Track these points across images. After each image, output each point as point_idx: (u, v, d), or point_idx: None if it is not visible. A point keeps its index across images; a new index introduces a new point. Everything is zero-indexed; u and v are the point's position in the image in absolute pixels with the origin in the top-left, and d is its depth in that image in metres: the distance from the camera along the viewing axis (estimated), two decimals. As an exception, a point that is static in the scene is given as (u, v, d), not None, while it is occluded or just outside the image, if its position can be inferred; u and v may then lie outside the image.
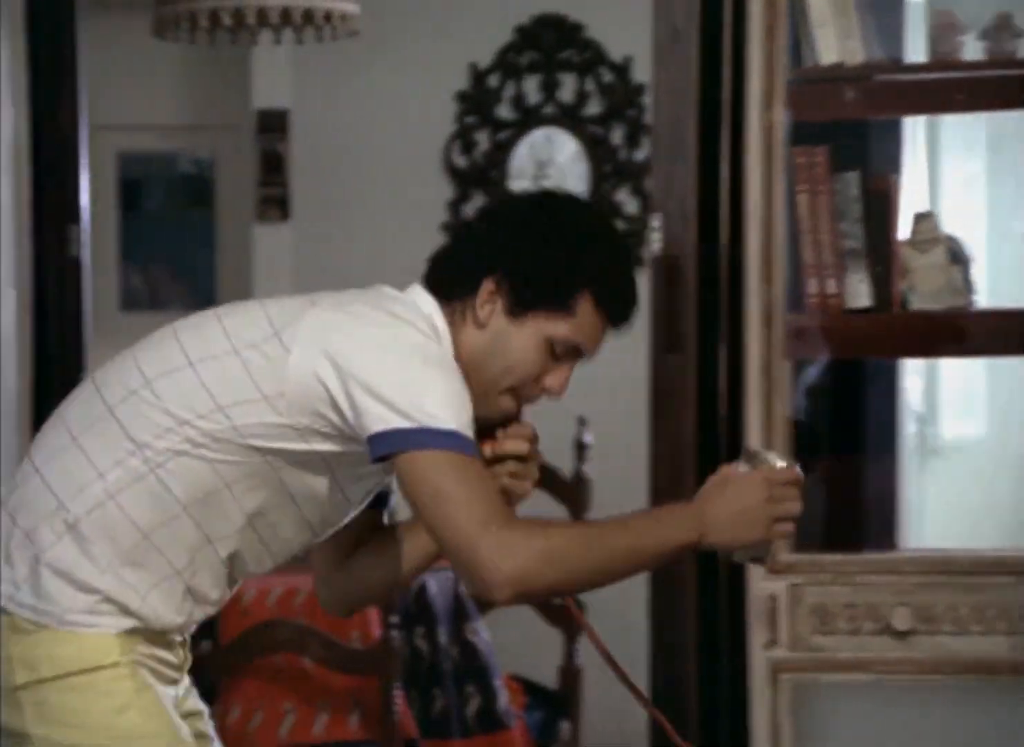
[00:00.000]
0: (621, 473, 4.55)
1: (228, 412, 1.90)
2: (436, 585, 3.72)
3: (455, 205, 4.79)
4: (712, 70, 2.78)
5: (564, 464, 4.08)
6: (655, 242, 2.91)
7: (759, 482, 1.91)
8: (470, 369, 1.94)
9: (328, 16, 3.58)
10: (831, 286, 2.72)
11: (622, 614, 4.52)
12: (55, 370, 3.01)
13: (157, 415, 1.92)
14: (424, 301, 1.96)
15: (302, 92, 4.83)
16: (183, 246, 5.31)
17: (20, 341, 2.91)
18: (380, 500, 2.07)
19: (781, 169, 2.71)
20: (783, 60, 2.69)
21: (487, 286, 1.93)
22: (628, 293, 1.97)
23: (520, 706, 3.85)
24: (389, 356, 1.88)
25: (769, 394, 2.74)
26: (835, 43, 2.69)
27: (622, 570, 1.89)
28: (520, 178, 4.79)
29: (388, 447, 1.85)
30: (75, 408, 1.98)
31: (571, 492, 4.04)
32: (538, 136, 4.78)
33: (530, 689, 4.00)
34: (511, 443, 1.99)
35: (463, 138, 4.79)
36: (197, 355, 1.93)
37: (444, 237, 4.77)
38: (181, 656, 2.00)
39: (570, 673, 3.97)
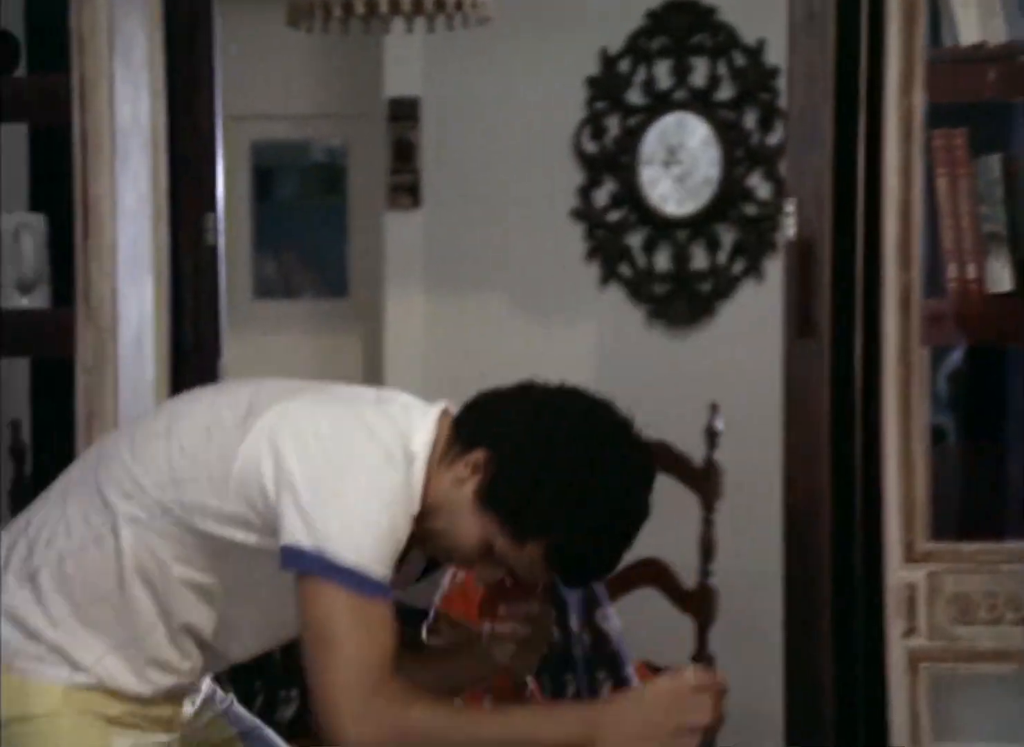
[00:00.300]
0: (753, 460, 4.52)
1: (179, 486, 1.91)
2: (567, 571, 3.71)
3: (585, 191, 4.78)
4: (848, 52, 2.74)
5: (695, 451, 4.06)
6: (789, 227, 2.89)
7: (663, 692, 1.84)
8: (429, 507, 1.90)
9: (460, 4, 3.59)
10: (971, 271, 2.68)
11: (757, 600, 4.50)
12: (192, 359, 3.04)
13: (125, 478, 1.94)
14: (416, 420, 1.91)
15: (433, 80, 4.84)
16: (315, 234, 5.36)
17: (158, 329, 2.95)
18: (416, 615, 2.04)
19: (919, 152, 2.67)
20: (922, 41, 2.65)
21: (477, 456, 1.89)
22: (584, 569, 1.91)
23: (652, 693, 3.83)
24: (327, 468, 1.84)
25: (906, 380, 2.70)
26: (977, 22, 2.64)
27: None
28: (651, 163, 4.76)
29: (289, 562, 1.84)
30: (79, 463, 2.04)
31: (702, 479, 4.01)
32: (669, 121, 4.75)
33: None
34: (510, 627, 1.95)
35: (593, 124, 4.77)
36: (176, 426, 1.94)
37: (573, 224, 4.77)
38: (170, 712, 2.01)
39: (702, 660, 3.94)
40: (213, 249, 3.07)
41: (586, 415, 1.95)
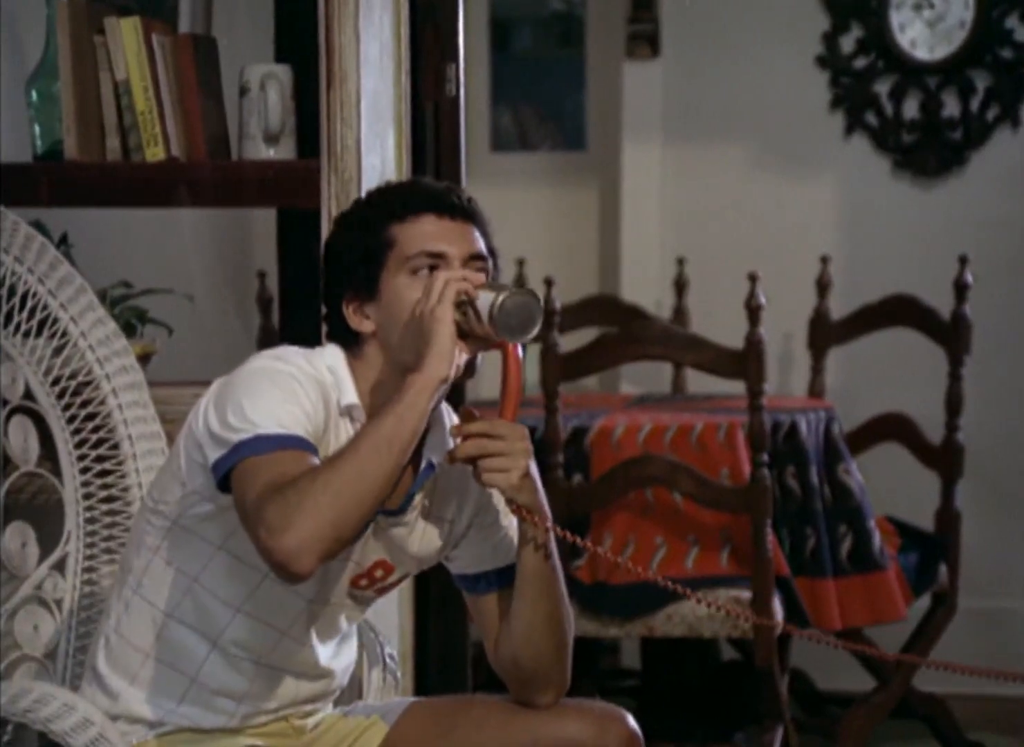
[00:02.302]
0: (1004, 315, 4.40)
1: (160, 503, 2.01)
2: (806, 424, 3.68)
3: (830, 37, 4.64)
4: None
5: (943, 305, 3.96)
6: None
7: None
8: (404, 362, 1.96)
9: None
10: None
11: (1005, 458, 4.41)
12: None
13: (137, 530, 2.05)
14: (331, 352, 2.02)
15: (674, -76, 4.73)
16: (553, 86, 5.31)
17: (399, 180, 2.96)
18: (514, 574, 2.06)
19: None
20: None
21: (348, 311, 1.99)
22: (413, 190, 2.01)
23: (894, 548, 3.79)
24: (226, 390, 1.93)
25: None
26: None
27: (385, 459, 1.87)
28: (901, 7, 4.59)
29: (216, 479, 1.92)
30: None
31: (950, 334, 3.92)
32: (922, -38, 4.57)
33: (904, 531, 3.93)
34: (465, 446, 1.96)
35: (841, -33, 4.62)
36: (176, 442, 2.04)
37: (817, 71, 4.64)
38: (285, 727, 2.09)
39: (948, 516, 3.88)
40: (454, 100, 3.06)
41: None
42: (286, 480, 1.85)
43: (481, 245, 2.01)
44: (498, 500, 2.08)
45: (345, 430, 2.01)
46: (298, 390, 1.94)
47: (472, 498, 2.10)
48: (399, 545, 2.08)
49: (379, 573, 2.09)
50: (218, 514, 1.97)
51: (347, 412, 2.01)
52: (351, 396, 2.00)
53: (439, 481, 2.08)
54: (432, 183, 2.06)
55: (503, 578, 2.09)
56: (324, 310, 2.06)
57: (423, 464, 2.05)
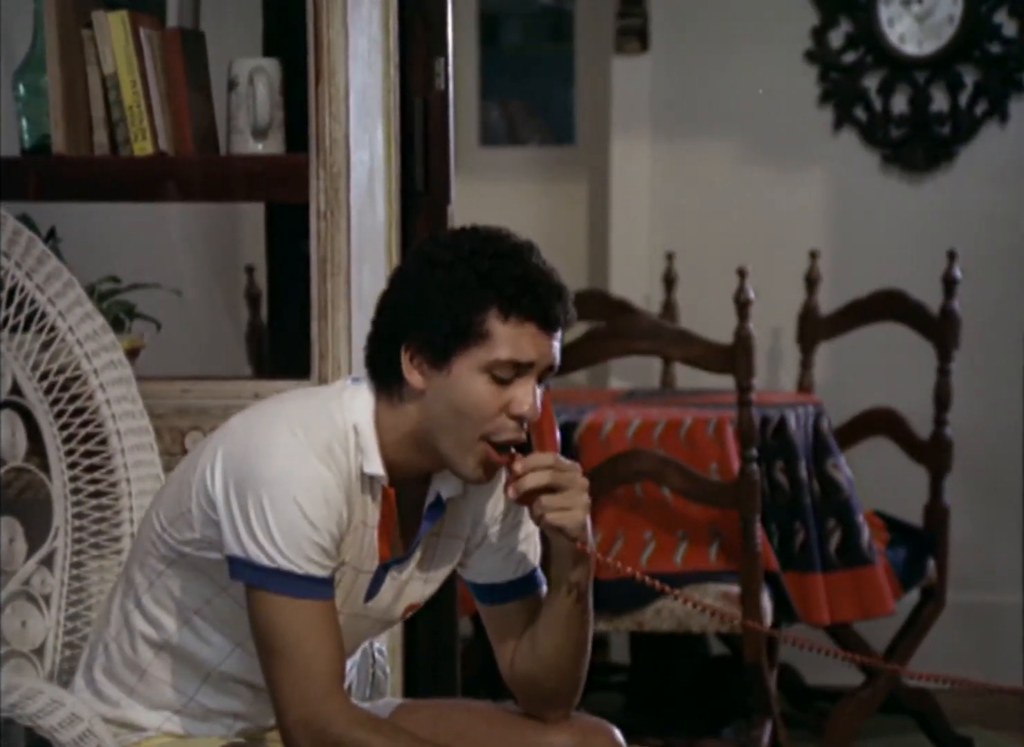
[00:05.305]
0: (992, 309, 4.41)
1: (169, 532, 1.97)
2: (795, 419, 3.68)
3: (819, 32, 4.64)
4: None
5: (931, 300, 3.97)
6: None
7: None
8: (434, 436, 1.90)
9: None
10: None
11: (994, 452, 4.42)
12: (422, 203, 3.06)
13: (146, 539, 2.01)
14: (359, 403, 1.93)
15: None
16: (541, 81, 5.31)
17: (388, 174, 2.96)
18: (531, 585, 2.05)
19: None
20: None
21: (404, 357, 1.90)
22: (526, 288, 1.87)
23: (882, 542, 3.80)
24: (251, 477, 1.88)
25: None
26: None
27: None
28: (890, 2, 4.60)
29: (233, 572, 1.90)
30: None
31: (938, 329, 3.93)
32: (911, -44, 4.57)
33: (893, 526, 3.94)
34: (531, 478, 1.91)
35: (829, -39, 4.62)
36: (175, 470, 2.02)
37: (806, 66, 4.64)
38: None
39: (937, 511, 3.89)
40: (442, 94, 3.06)
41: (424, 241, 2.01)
42: (329, 671, 1.86)
43: (558, 355, 1.95)
44: (515, 513, 2.05)
45: (363, 505, 1.95)
46: (326, 513, 1.89)
47: (488, 511, 2.06)
48: (419, 578, 2.06)
49: (410, 614, 2.10)
50: (225, 562, 1.94)
51: (368, 482, 1.95)
52: (375, 464, 1.94)
53: (452, 505, 2.03)
54: (545, 279, 1.90)
55: (516, 590, 2.06)
56: (374, 331, 1.96)
57: (430, 499, 2.01)
